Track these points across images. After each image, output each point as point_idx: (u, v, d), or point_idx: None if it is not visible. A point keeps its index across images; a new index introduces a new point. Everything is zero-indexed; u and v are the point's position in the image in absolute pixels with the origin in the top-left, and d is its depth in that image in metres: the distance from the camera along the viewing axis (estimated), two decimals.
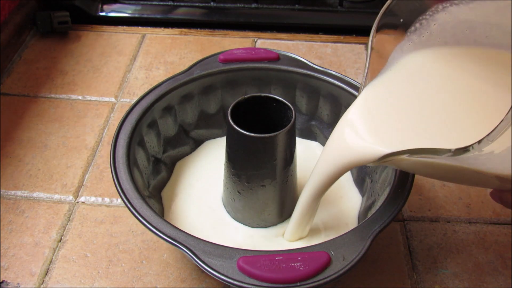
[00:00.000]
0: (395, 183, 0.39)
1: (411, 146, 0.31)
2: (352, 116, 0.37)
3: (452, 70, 0.37)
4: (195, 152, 0.51)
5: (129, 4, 0.74)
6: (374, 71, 0.38)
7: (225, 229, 0.44)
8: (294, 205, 0.42)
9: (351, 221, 0.45)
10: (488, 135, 0.26)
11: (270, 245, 0.43)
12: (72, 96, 0.60)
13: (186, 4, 0.74)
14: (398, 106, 0.36)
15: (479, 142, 0.26)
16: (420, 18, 0.37)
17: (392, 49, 0.38)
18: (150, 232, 0.36)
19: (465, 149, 0.27)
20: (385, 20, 0.37)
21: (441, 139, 0.33)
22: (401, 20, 0.37)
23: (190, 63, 0.49)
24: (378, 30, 0.38)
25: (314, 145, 0.52)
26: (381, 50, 0.38)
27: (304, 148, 0.51)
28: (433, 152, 0.29)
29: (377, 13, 0.37)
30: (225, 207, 0.46)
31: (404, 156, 0.32)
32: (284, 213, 0.44)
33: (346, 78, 0.48)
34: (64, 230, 0.46)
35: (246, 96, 0.42)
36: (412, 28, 0.37)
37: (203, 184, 0.48)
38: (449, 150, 0.28)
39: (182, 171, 0.49)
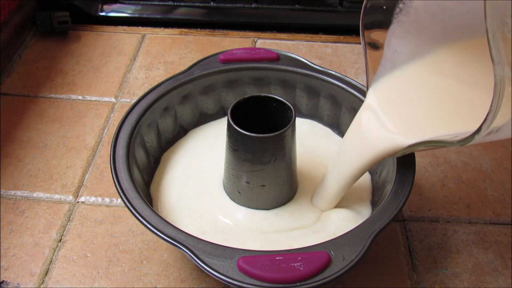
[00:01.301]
0: (395, 183, 0.39)
1: (427, 136, 0.35)
2: (373, 112, 0.40)
3: (450, 66, 0.38)
4: (178, 142, 0.50)
5: (129, 4, 0.74)
6: (374, 61, 0.40)
7: (226, 209, 0.44)
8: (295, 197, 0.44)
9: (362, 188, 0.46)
10: (484, 122, 0.29)
11: (271, 224, 0.43)
12: (72, 96, 0.60)
13: (186, 4, 0.74)
14: (410, 100, 0.39)
15: (478, 131, 0.30)
16: None
17: (385, 36, 0.39)
18: (150, 232, 0.36)
19: (468, 139, 0.31)
20: (368, 18, 0.39)
21: (452, 126, 0.35)
22: (384, 7, 0.38)
23: (190, 63, 0.49)
24: (365, 28, 0.39)
25: (314, 123, 0.52)
26: (375, 41, 0.40)
27: (306, 127, 0.51)
28: (442, 143, 0.33)
29: None
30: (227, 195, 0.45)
31: (421, 147, 0.36)
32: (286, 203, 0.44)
33: (346, 78, 0.48)
34: (64, 230, 0.46)
35: (246, 96, 0.42)
36: (397, 9, 0.38)
37: (197, 170, 0.47)
38: (453, 142, 0.32)
39: (169, 163, 0.48)
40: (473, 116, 0.33)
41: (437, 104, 0.38)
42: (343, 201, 0.44)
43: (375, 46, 0.40)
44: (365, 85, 0.42)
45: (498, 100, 0.28)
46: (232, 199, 0.44)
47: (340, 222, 0.42)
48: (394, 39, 0.39)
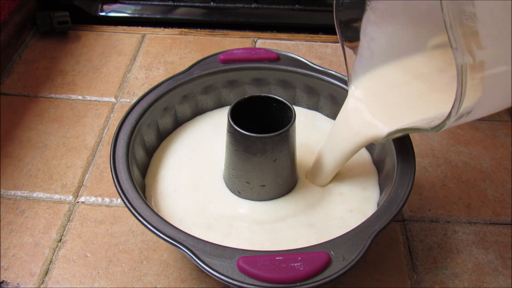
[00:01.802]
0: (395, 183, 0.39)
1: (405, 123, 0.38)
2: (357, 102, 0.42)
3: (424, 68, 0.41)
4: (170, 136, 0.49)
5: (129, 4, 0.74)
6: (352, 54, 0.42)
7: (227, 202, 0.43)
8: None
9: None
10: (452, 108, 0.31)
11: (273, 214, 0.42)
12: (72, 96, 0.60)
13: (186, 4, 0.74)
14: (390, 94, 0.41)
15: (448, 117, 0.32)
16: None
17: (360, 24, 0.40)
18: (150, 232, 0.36)
19: (441, 125, 0.33)
20: (342, 13, 0.40)
21: (427, 115, 0.38)
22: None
23: (190, 63, 0.49)
24: (341, 21, 0.40)
25: (314, 113, 0.52)
26: (352, 30, 0.41)
27: (305, 116, 0.51)
28: (419, 130, 0.36)
29: None
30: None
31: (400, 134, 0.38)
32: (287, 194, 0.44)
33: (346, 78, 0.48)
34: (64, 230, 0.46)
35: (246, 96, 0.42)
36: None
37: (194, 161, 0.46)
38: (428, 129, 0.34)
39: (164, 155, 0.47)
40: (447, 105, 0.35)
41: (414, 98, 0.40)
42: (347, 198, 0.44)
43: (352, 38, 0.41)
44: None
45: (462, 88, 0.30)
46: (232, 193, 0.44)
47: (343, 217, 0.42)
48: (369, 26, 0.40)
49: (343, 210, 0.42)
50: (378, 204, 0.42)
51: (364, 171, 0.46)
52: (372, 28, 0.40)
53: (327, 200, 0.43)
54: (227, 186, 0.44)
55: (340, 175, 0.45)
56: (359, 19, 0.40)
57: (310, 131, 0.49)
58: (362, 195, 0.44)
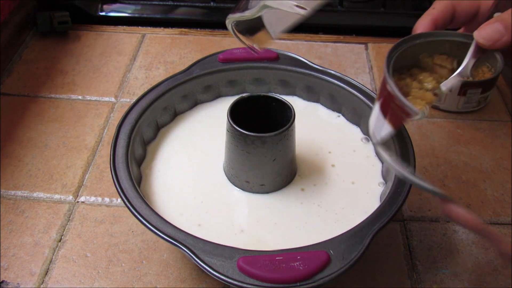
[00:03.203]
0: (395, 183, 0.39)
1: None
2: None
3: None
4: (165, 128, 0.49)
5: (129, 4, 0.74)
6: None
7: (228, 196, 0.43)
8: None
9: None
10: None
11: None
12: (72, 96, 0.60)
13: (186, 4, 0.74)
14: None
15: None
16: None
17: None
18: (150, 232, 0.36)
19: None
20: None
21: None
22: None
23: (190, 63, 0.49)
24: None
25: (315, 105, 0.51)
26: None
27: (305, 107, 0.51)
28: None
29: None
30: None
31: None
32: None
33: (346, 78, 0.48)
34: (64, 230, 0.46)
35: (245, 96, 0.42)
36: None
37: (192, 152, 0.46)
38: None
39: (159, 151, 0.47)
40: None
41: None
42: (347, 190, 0.44)
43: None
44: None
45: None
46: (232, 184, 0.44)
47: (342, 210, 0.42)
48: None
49: (342, 203, 0.42)
50: (380, 198, 0.42)
51: (366, 163, 0.46)
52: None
53: (325, 192, 0.43)
54: (227, 178, 0.44)
55: (340, 167, 0.45)
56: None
57: (310, 122, 0.49)
58: (363, 187, 0.44)
